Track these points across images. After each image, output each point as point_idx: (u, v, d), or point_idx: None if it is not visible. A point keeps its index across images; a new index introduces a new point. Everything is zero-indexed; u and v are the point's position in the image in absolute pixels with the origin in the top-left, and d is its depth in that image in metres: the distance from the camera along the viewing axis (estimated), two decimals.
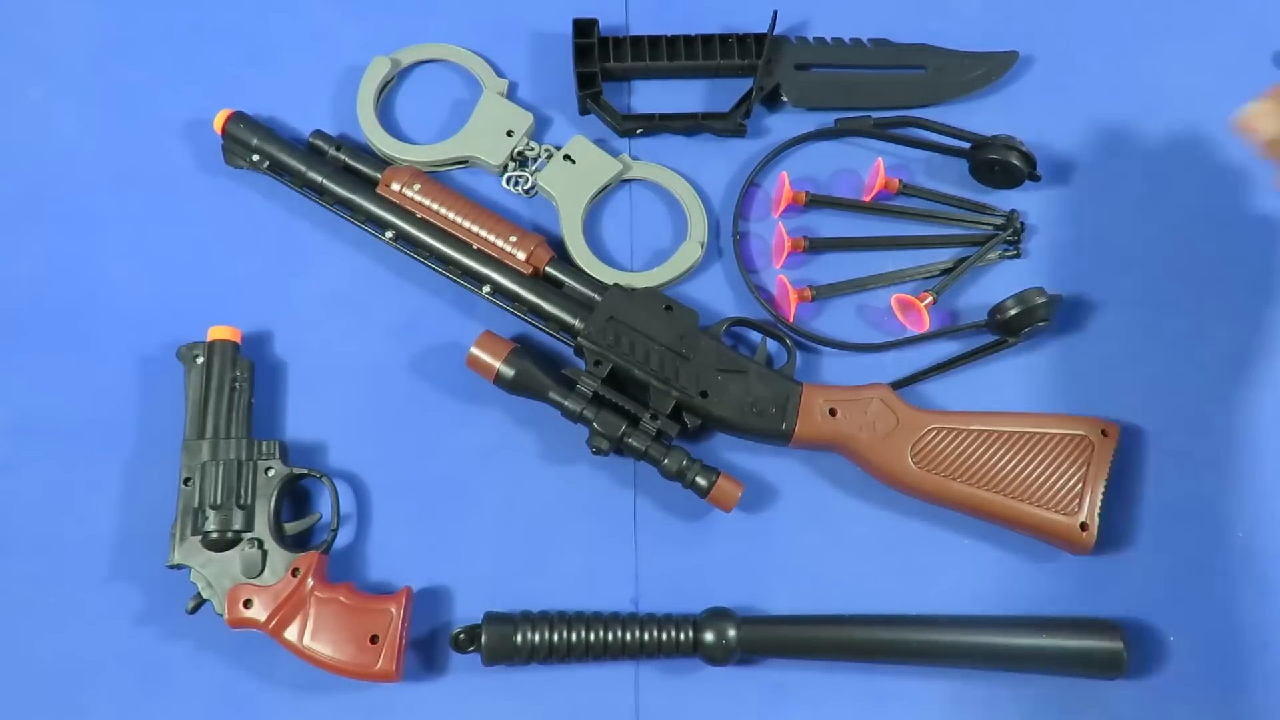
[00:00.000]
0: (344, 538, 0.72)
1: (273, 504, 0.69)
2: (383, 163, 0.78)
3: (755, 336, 0.77)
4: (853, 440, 0.71)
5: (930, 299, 0.75)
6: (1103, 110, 0.83)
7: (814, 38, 0.83)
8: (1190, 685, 0.70)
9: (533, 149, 0.80)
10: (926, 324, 0.76)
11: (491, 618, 0.67)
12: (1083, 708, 0.70)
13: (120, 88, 0.81)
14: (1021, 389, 0.76)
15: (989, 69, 0.82)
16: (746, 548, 0.73)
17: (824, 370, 0.77)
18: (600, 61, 0.81)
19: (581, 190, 0.78)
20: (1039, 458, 0.70)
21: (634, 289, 0.74)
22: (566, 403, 0.70)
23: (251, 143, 0.76)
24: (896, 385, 0.74)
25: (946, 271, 0.78)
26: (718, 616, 0.68)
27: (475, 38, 0.83)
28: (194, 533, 0.67)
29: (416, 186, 0.75)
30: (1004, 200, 0.80)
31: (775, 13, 0.80)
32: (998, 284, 0.78)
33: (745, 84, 0.81)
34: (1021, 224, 0.79)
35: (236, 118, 0.77)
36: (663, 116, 0.80)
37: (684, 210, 0.79)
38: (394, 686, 0.68)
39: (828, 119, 0.81)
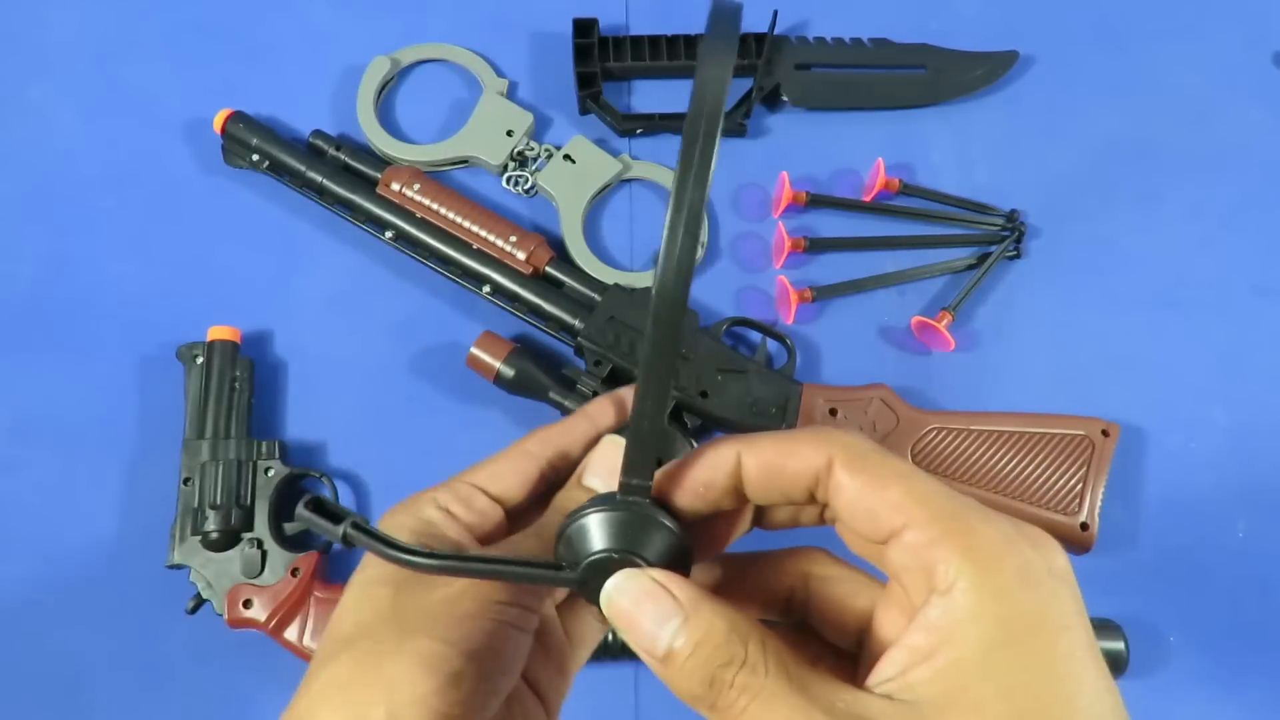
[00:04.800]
0: None
1: (272, 504, 0.69)
2: (383, 163, 0.78)
3: (755, 336, 0.77)
4: None
5: (949, 318, 0.75)
6: (1103, 110, 0.83)
7: (814, 38, 0.83)
8: (1190, 685, 0.70)
9: (533, 149, 0.79)
10: (951, 345, 0.75)
11: None
12: None
13: (120, 88, 0.81)
14: (1021, 389, 0.76)
15: (989, 69, 0.82)
16: (746, 547, 0.72)
17: (824, 370, 0.77)
18: (600, 61, 0.81)
19: (581, 190, 0.78)
20: (1039, 458, 0.70)
21: (634, 289, 0.74)
22: (566, 403, 0.70)
23: (251, 143, 0.76)
24: None
25: (936, 275, 0.78)
26: None
27: (475, 38, 0.83)
28: (194, 533, 0.67)
29: (416, 186, 0.75)
30: (1005, 201, 0.80)
31: (775, 13, 0.80)
32: (998, 286, 0.78)
33: (745, 84, 0.81)
34: (1023, 224, 0.79)
35: (236, 118, 0.77)
36: (663, 116, 0.80)
37: None
38: None
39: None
